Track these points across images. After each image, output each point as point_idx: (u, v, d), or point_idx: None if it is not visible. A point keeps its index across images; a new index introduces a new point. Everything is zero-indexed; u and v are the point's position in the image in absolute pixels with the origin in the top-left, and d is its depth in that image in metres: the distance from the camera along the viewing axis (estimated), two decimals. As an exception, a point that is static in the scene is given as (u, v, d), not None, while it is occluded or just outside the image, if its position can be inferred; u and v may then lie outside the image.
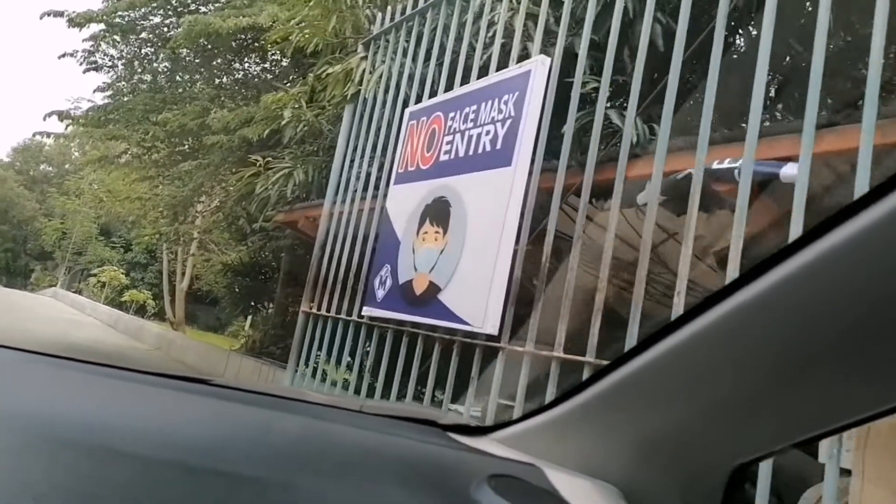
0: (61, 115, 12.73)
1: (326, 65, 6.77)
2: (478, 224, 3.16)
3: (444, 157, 3.62)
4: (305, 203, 8.06)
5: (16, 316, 18.52)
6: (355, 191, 4.68)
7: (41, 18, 12.87)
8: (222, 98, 14.33)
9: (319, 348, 4.52)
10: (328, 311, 4.51)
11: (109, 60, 13.58)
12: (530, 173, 3.04)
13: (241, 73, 16.06)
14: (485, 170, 3.22)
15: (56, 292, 35.49)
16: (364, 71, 5.03)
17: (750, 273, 0.58)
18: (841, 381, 0.58)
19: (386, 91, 4.71)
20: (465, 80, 3.92)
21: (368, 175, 4.63)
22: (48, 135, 12.55)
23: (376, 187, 4.48)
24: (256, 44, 15.78)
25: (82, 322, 22.69)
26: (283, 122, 7.81)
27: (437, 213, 3.50)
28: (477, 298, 2.97)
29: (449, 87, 3.96)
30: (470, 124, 3.45)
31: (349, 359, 4.19)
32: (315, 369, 4.57)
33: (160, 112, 11.50)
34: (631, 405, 0.77)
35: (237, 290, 17.91)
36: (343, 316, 4.31)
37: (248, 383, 1.44)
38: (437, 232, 3.46)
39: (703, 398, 0.68)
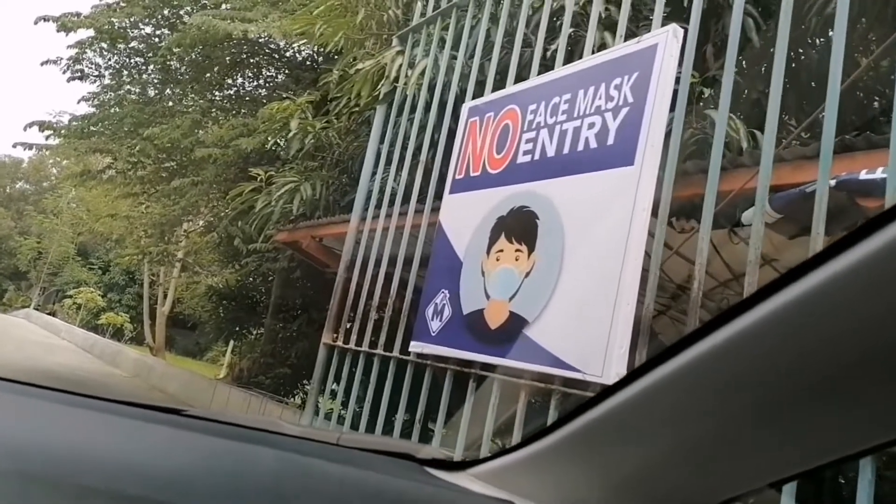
0: (42, 126, 11.93)
1: (344, 66, 6.13)
2: (584, 240, 2.46)
3: (523, 159, 2.93)
4: (311, 221, 7.31)
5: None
6: (392, 203, 3.97)
7: (36, 24, 12.08)
8: (214, 112, 13.62)
9: (348, 388, 3.76)
10: (359, 344, 3.77)
11: (95, 69, 12.81)
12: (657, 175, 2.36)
13: (234, 88, 15.40)
14: (591, 171, 2.53)
15: (29, 314, 34.11)
16: (401, 66, 4.36)
17: (729, 312, 0.57)
18: (821, 421, 0.59)
19: (430, 88, 4.04)
20: (525, 73, 3.28)
21: (410, 184, 3.92)
22: (29, 146, 11.70)
23: (421, 199, 3.78)
24: (251, 59, 15.21)
25: (56, 346, 21.52)
26: (291, 133, 7.13)
27: (518, 226, 2.80)
28: (590, 337, 2.26)
29: (521, 78, 3.29)
30: (562, 117, 2.77)
31: (387, 402, 3.43)
32: (341, 411, 3.81)
33: (149, 126, 10.76)
34: (610, 442, 0.75)
35: (222, 314, 17.06)
36: (379, 351, 3.57)
37: (222, 414, 1.39)
38: (518, 250, 2.76)
39: (684, 437, 0.68)
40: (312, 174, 7.33)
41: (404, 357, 3.36)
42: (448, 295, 3.10)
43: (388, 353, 3.49)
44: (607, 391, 0.71)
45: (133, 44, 12.74)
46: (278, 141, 7.47)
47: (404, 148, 4.09)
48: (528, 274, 2.67)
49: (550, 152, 2.78)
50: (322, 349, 4.11)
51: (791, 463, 0.64)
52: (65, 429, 0.76)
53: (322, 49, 13.87)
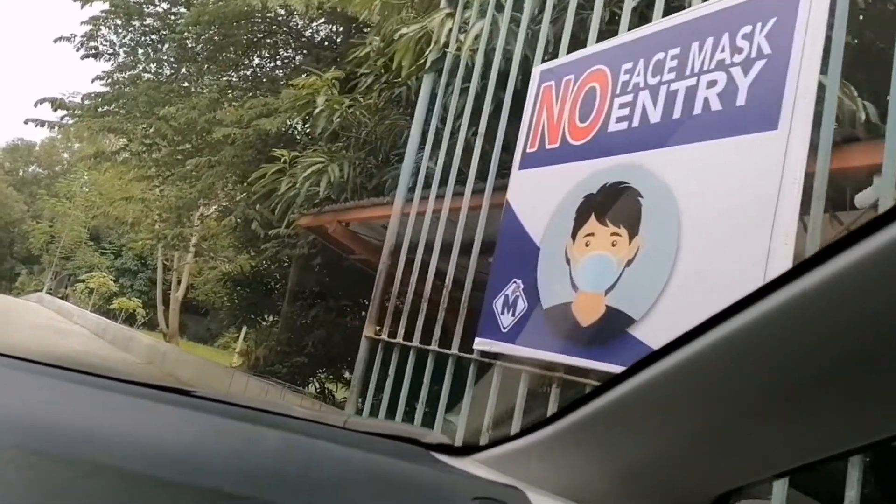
0: (55, 104, 11.55)
1: (380, 35, 5.70)
2: (710, 223, 2.03)
3: (616, 127, 2.50)
4: (337, 205, 6.89)
5: (-3, 322, 17.21)
6: (444, 182, 3.54)
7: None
8: (231, 92, 13.20)
9: (397, 385, 3.36)
10: (408, 339, 3.36)
11: (110, 47, 12.43)
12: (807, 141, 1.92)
13: (251, 69, 14.98)
14: (715, 138, 2.09)
15: (41, 297, 33.99)
16: (451, 30, 3.92)
17: (734, 306, 0.58)
18: (823, 413, 0.59)
19: (486, 53, 3.60)
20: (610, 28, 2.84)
21: (465, 161, 3.50)
22: (41, 123, 11.34)
23: (480, 177, 3.35)
24: (269, 39, 14.76)
25: (68, 330, 21.30)
26: (317, 110, 6.70)
27: (613, 206, 2.38)
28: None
29: (600, 39, 2.85)
30: (669, 76, 2.33)
31: (444, 406, 3.02)
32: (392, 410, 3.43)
33: (165, 105, 10.36)
34: (615, 431, 0.76)
35: (237, 301, 16.72)
36: (433, 347, 3.16)
37: (229, 395, 1.30)
38: (614, 234, 2.34)
39: (687, 427, 0.69)
40: (338, 155, 6.91)
41: (465, 355, 2.95)
42: (522, 285, 2.68)
43: (444, 350, 3.08)
44: (612, 381, 0.72)
45: (148, 21, 12.33)
46: (304, 119, 7.02)
47: (457, 120, 3.66)
48: (629, 262, 2.24)
49: (654, 118, 2.35)
50: (364, 343, 3.71)
51: (794, 456, 0.65)
52: (75, 407, 0.76)
53: (342, 28, 13.45)
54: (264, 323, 16.62)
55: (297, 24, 14.22)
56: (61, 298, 34.32)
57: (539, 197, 2.75)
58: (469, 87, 3.60)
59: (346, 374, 14.67)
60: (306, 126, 7.44)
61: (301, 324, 12.89)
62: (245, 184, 10.10)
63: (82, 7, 10.98)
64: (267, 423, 0.87)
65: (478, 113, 3.50)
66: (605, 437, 0.77)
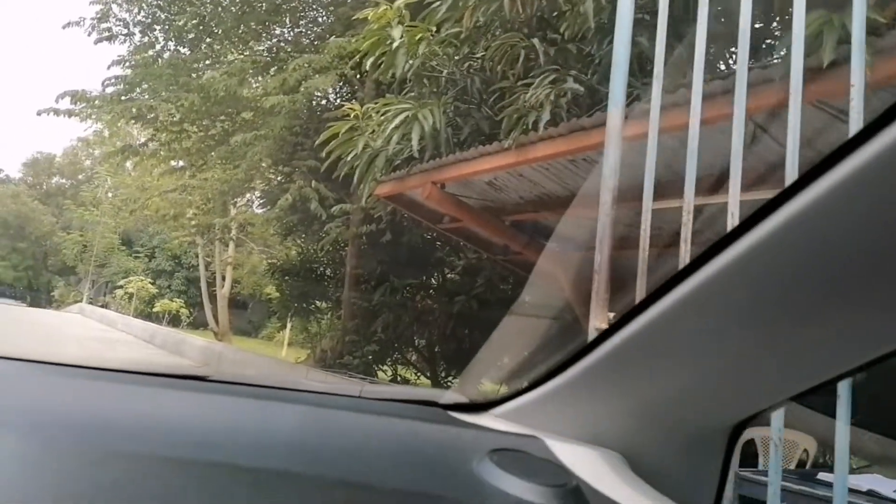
0: (75, 97, 10.41)
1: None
2: None
3: None
4: (430, 163, 5.59)
5: (41, 337, 16.42)
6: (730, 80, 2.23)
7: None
8: (255, 68, 11.92)
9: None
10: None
11: (124, 27, 11.20)
12: None
13: (274, 39, 13.66)
14: None
15: (83, 308, 33.51)
16: None
17: (728, 236, 0.59)
18: (826, 336, 0.61)
19: None
20: None
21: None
22: (57, 112, 10.22)
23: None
24: (290, 4, 13.41)
25: (115, 339, 20.52)
26: (395, 44, 5.39)
27: None
28: None
29: None
30: None
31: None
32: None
33: (191, 74, 9.15)
34: (627, 372, 0.78)
35: (287, 291, 15.72)
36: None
37: (244, 376, 1.10)
38: None
39: (697, 362, 0.71)
40: (426, 101, 5.60)
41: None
42: None
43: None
44: (619, 323, 0.74)
45: (160, -8, 11.08)
46: (377, 62, 5.70)
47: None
48: None
49: None
50: (596, 336, 2.45)
51: (804, 378, 0.67)
52: (93, 402, 0.77)
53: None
54: (318, 312, 15.67)
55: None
56: (102, 307, 33.87)
57: None
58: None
59: (413, 358, 13.69)
60: (374, 71, 6.09)
61: (365, 309, 11.80)
62: (296, 160, 8.91)
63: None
64: (283, 399, 0.87)
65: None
66: (617, 380, 0.79)
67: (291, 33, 13.77)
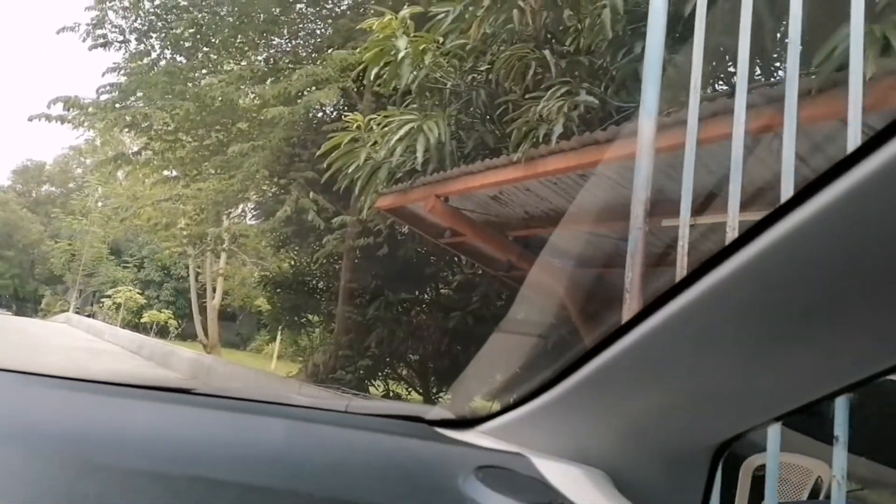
0: (68, 103, 10.24)
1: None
2: None
3: None
4: (434, 176, 5.47)
5: (26, 346, 16.09)
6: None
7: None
8: (252, 78, 11.81)
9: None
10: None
11: (119, 33, 11.06)
12: None
13: (271, 49, 13.56)
14: None
15: (69, 318, 33.03)
16: None
17: (714, 258, 0.59)
18: (811, 356, 0.61)
19: None
20: None
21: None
22: (49, 118, 10.02)
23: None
24: (287, 16, 13.32)
25: (101, 350, 20.18)
26: (400, 55, 5.28)
27: None
28: None
29: None
30: None
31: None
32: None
33: (187, 83, 9.02)
34: (613, 391, 0.77)
35: (278, 304, 15.53)
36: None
37: (230, 389, 1.22)
38: None
39: (680, 381, 0.71)
40: (430, 113, 5.50)
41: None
42: None
43: None
44: (605, 342, 0.73)
45: (159, 0, 10.96)
46: (380, 73, 5.60)
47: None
48: None
49: None
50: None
51: (789, 399, 0.66)
52: (72, 413, 0.76)
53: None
54: (308, 326, 15.49)
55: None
56: (88, 316, 33.42)
57: None
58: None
59: (406, 373, 13.49)
60: (374, 83, 5.99)
61: (359, 323, 11.62)
62: (293, 171, 8.76)
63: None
64: (269, 414, 0.85)
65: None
66: (602, 398, 0.78)
67: (290, 44, 13.68)
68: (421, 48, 5.27)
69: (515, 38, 5.03)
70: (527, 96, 4.87)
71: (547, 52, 4.31)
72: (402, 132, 5.06)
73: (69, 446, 0.66)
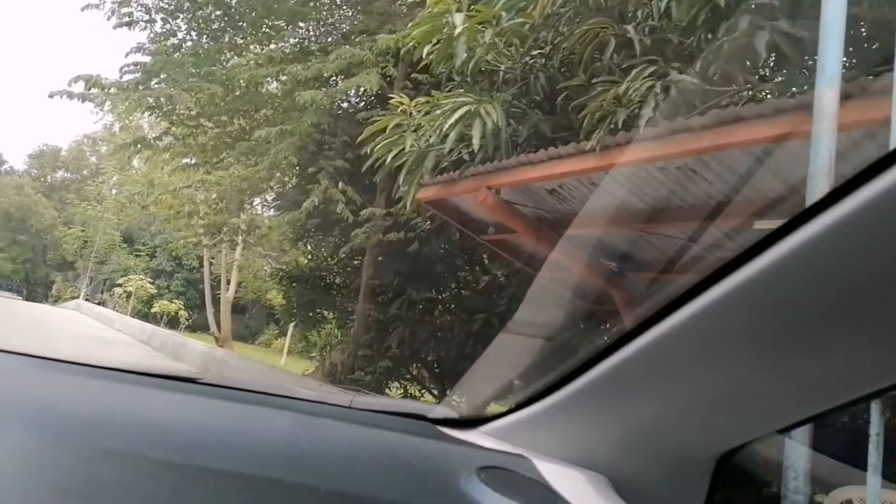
0: (89, 82, 9.86)
1: None
2: None
3: None
4: (486, 166, 5.01)
5: (36, 332, 15.76)
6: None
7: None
8: (288, 56, 11.38)
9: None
10: None
11: (145, 13, 10.68)
12: None
13: (297, 38, 13.14)
14: None
15: (79, 305, 32.79)
16: None
17: (724, 268, 0.58)
18: (816, 369, 0.59)
19: None
20: None
21: None
22: (70, 95, 9.64)
23: None
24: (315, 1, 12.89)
25: (111, 339, 19.82)
26: (457, 31, 4.83)
27: None
28: None
29: None
30: None
31: None
32: None
33: (214, 65, 8.62)
34: (617, 396, 0.76)
35: (293, 298, 15.14)
36: None
37: (237, 380, 1.20)
38: None
39: (685, 389, 0.69)
40: (486, 98, 5.04)
41: None
42: None
43: None
44: (610, 347, 0.72)
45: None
46: (431, 54, 5.15)
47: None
48: None
49: None
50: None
51: (794, 411, 0.64)
52: (86, 400, 0.76)
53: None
54: (323, 322, 15.13)
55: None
56: (98, 304, 33.18)
57: None
58: None
59: (425, 376, 13.03)
60: (413, 68, 5.55)
61: (380, 322, 11.18)
62: (322, 159, 8.32)
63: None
64: (275, 406, 0.87)
65: None
66: (606, 403, 0.77)
67: (320, 29, 13.26)
68: (479, 23, 4.81)
69: (581, 17, 4.58)
70: (594, 80, 4.42)
71: (631, 27, 3.84)
72: (457, 115, 4.60)
73: (83, 432, 0.67)
